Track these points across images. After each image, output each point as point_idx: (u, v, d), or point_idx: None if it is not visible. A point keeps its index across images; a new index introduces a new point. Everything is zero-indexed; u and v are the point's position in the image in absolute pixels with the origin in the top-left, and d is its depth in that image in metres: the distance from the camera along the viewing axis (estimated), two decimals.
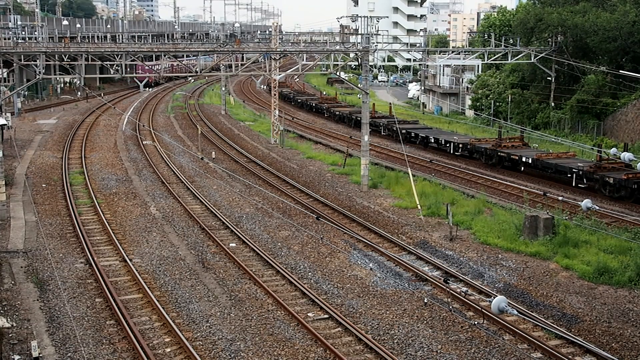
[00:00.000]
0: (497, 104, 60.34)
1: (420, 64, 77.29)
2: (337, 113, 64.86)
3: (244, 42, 76.84)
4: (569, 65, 52.97)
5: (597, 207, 24.37)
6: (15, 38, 53.29)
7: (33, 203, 32.38)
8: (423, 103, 77.59)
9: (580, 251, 25.15)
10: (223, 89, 74.54)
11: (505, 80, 60.97)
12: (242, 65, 48.08)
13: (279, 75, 55.63)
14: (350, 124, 60.23)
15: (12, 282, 22.39)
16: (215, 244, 26.67)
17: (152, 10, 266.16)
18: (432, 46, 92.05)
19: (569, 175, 35.69)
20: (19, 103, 65.21)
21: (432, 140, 47.70)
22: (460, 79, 71.04)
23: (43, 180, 37.67)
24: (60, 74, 67.38)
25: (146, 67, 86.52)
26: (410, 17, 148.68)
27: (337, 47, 48.82)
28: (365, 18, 39.42)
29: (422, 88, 78.51)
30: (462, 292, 20.49)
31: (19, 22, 64.29)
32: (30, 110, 68.32)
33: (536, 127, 53.73)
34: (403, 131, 49.10)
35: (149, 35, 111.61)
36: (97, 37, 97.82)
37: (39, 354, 17.26)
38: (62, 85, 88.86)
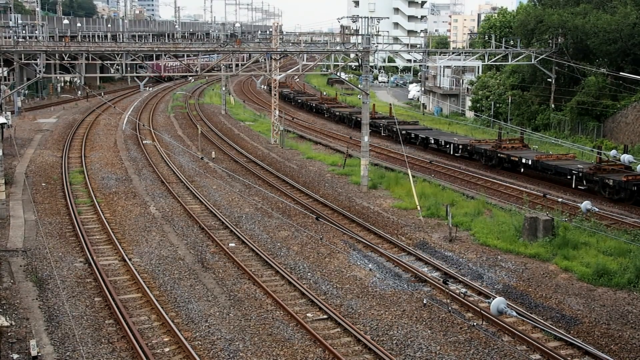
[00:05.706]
0: (497, 105, 60.36)
1: (420, 65, 77.30)
2: (337, 113, 64.86)
3: (245, 42, 76.82)
4: (569, 66, 53.02)
5: (597, 209, 24.39)
6: (15, 37, 53.30)
7: (33, 202, 32.37)
8: (423, 104, 77.58)
9: (580, 253, 25.15)
10: (223, 88, 74.52)
11: (505, 81, 60.98)
12: (242, 65, 48.04)
13: (279, 75, 55.61)
14: (350, 125, 60.21)
15: (12, 281, 22.38)
16: (215, 244, 26.66)
17: (152, 10, 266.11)
18: (433, 47, 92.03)
19: (568, 177, 35.70)
20: (19, 102, 65.17)
21: (432, 141, 47.66)
22: (461, 80, 71.05)
23: (43, 179, 37.66)
24: (60, 73, 67.32)
25: (160, 65, 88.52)
26: (410, 18, 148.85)
27: (338, 48, 48.82)
28: (366, 19, 39.59)
29: (423, 89, 78.51)
30: (462, 293, 20.49)
31: (19, 21, 64.36)
32: (31, 109, 68.28)
33: (536, 128, 53.75)
34: (403, 132, 49.09)
35: (149, 34, 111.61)
36: (98, 36, 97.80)
37: (38, 352, 17.24)
38: (62, 85, 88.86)
